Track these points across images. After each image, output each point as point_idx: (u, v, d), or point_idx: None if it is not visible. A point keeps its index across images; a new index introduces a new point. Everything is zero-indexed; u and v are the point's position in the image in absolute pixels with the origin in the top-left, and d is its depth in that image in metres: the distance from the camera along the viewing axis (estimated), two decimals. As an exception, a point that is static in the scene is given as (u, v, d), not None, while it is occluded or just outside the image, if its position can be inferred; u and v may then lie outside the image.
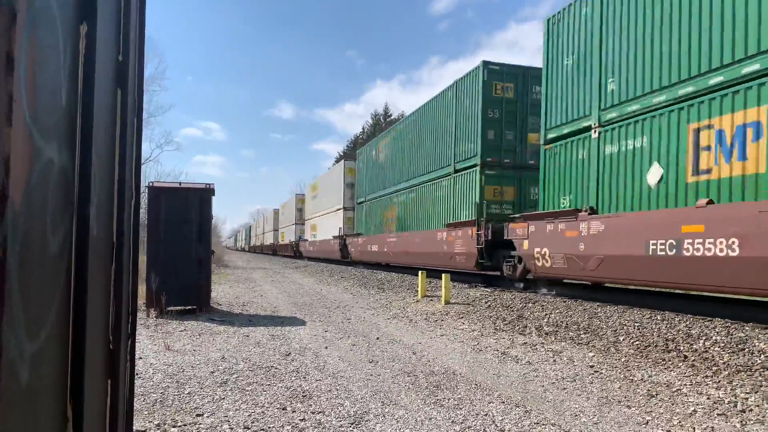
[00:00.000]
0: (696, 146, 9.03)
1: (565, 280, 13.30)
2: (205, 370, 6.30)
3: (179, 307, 10.82)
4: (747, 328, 8.00)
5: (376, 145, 27.17)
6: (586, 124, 11.78)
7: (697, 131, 9.01)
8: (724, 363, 6.59)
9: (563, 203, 12.45)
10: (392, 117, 71.88)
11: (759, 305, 9.34)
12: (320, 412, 4.83)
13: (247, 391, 5.48)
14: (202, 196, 11.13)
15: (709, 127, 8.77)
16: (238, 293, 15.88)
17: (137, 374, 5.91)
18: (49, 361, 1.24)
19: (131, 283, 2.43)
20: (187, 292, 10.85)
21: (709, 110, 8.83)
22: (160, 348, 7.50)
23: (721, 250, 8.16)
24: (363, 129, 79.35)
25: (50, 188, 1.19)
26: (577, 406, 5.14)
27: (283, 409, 4.92)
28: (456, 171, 17.79)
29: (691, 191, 9.06)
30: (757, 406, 5.04)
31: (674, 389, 5.67)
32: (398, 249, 21.98)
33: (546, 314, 10.52)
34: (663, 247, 9.18)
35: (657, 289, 12.13)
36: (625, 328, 8.75)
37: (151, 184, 11.24)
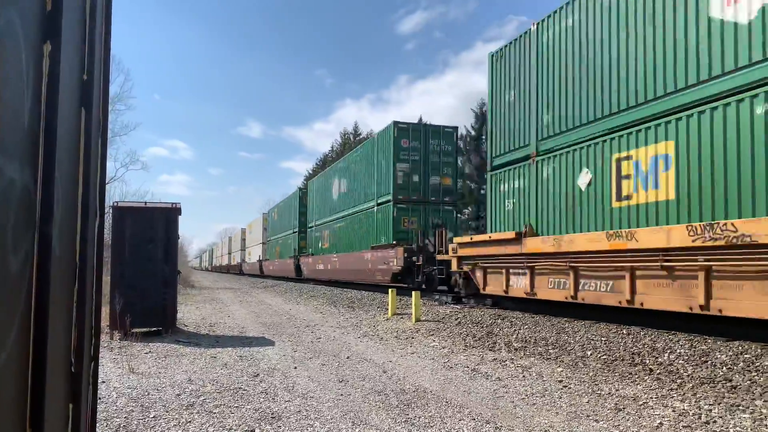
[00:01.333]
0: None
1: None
2: (170, 393, 6.17)
3: (144, 329, 10.58)
4: (709, 341, 8.19)
5: (274, 209, 49.27)
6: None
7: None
8: (688, 375, 6.73)
9: (310, 251, 34.17)
10: (361, 135, 72.05)
11: (719, 320, 9.58)
12: (289, 434, 4.76)
13: (215, 413, 5.38)
14: (169, 215, 10.97)
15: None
16: (205, 314, 15.62)
17: (100, 398, 5.75)
18: (8, 384, 1.21)
19: (94, 304, 2.38)
20: (152, 313, 10.63)
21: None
22: (124, 371, 7.32)
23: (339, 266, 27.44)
24: (332, 147, 79.38)
25: (12, 207, 1.17)
26: (546, 421, 5.18)
27: (252, 431, 4.84)
28: (292, 232, 39.40)
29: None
30: (721, 417, 5.16)
31: (641, 402, 5.76)
32: (280, 267, 42.46)
33: (515, 330, 10.60)
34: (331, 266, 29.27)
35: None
36: (592, 342, 8.88)
37: (115, 203, 11.04)
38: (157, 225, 10.80)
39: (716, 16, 8.56)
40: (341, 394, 6.16)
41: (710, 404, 5.58)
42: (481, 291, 14.65)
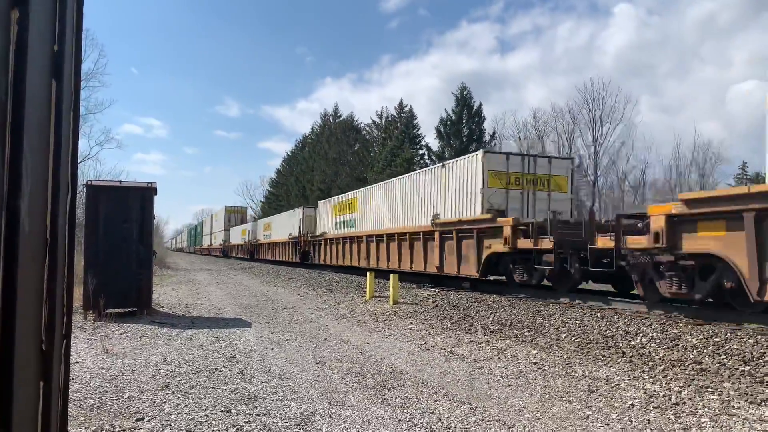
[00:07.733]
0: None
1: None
2: (145, 374, 6.12)
3: (119, 310, 10.46)
4: (681, 324, 8.36)
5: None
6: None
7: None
8: (659, 358, 6.87)
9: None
10: (342, 117, 71.51)
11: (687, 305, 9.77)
12: (266, 414, 4.76)
13: (190, 394, 5.35)
14: (144, 195, 10.81)
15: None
16: (181, 295, 15.50)
17: (73, 379, 5.68)
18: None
19: (66, 281, 2.33)
20: (127, 293, 10.50)
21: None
22: (98, 351, 7.24)
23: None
24: (312, 128, 78.68)
25: (-24, 179, 1.13)
26: (520, 402, 5.25)
27: (228, 411, 4.82)
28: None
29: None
30: (690, 399, 5.28)
31: (613, 384, 5.86)
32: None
33: (492, 313, 10.71)
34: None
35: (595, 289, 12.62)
36: (567, 325, 9.00)
37: (89, 182, 10.84)
38: (132, 204, 10.64)
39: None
40: (318, 376, 6.17)
41: (680, 386, 5.70)
42: None
